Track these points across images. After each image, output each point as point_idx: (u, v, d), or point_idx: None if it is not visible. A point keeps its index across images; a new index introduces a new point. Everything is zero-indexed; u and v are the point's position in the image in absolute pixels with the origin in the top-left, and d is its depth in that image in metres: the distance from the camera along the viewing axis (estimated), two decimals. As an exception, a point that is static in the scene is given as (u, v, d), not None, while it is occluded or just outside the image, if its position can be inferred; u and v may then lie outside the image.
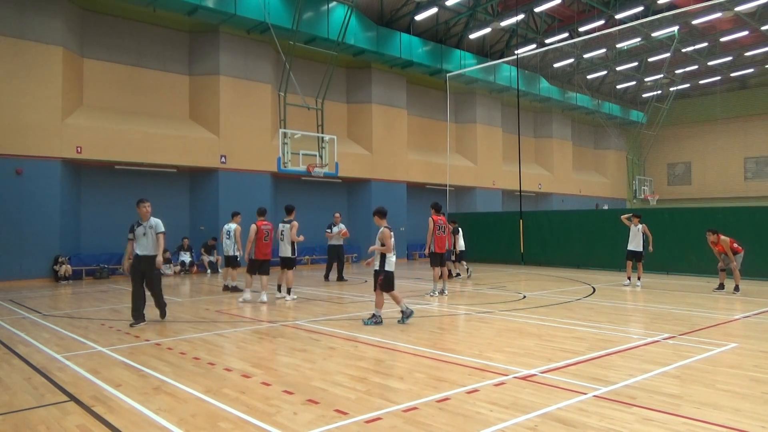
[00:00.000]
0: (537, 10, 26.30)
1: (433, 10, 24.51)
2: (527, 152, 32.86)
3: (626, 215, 14.23)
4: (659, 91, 37.24)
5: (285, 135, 16.92)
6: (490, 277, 17.06)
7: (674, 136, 40.93)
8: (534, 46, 28.76)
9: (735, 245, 12.07)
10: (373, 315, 8.63)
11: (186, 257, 19.11)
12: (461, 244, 16.31)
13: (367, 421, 4.26)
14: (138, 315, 8.64)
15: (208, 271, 19.00)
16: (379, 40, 23.07)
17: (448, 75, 24.56)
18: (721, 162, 39.30)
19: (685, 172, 41.62)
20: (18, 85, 15.76)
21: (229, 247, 13.58)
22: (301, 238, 11.98)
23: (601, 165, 40.48)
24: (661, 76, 34.89)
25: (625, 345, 6.97)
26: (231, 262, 13.71)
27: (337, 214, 16.14)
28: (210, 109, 19.84)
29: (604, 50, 31.36)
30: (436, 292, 12.20)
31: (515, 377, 5.46)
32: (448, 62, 26.15)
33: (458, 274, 16.30)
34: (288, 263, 11.78)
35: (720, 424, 4.16)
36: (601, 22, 26.60)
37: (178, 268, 18.72)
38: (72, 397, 4.97)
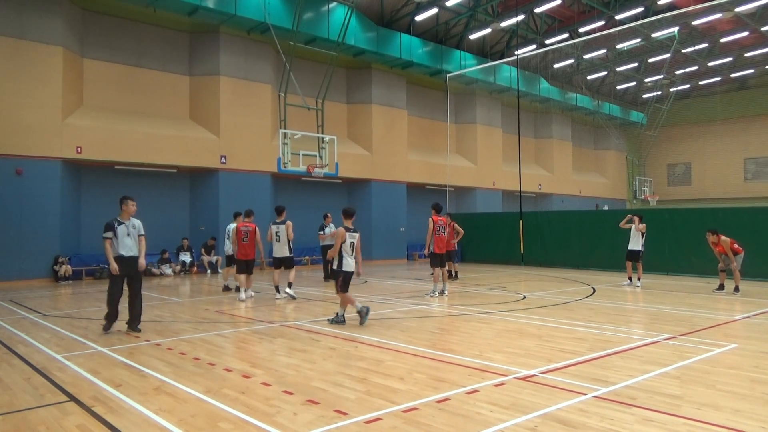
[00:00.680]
0: (537, 10, 26.27)
1: (433, 11, 24.51)
2: (527, 153, 32.84)
3: (624, 220, 14.26)
4: (659, 92, 37.21)
5: (285, 135, 16.91)
6: (490, 277, 17.06)
7: (674, 137, 40.90)
8: (534, 46, 28.75)
9: (735, 246, 12.07)
10: (336, 314, 8.79)
11: (186, 257, 19.11)
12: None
13: (367, 422, 4.26)
14: (114, 319, 8.14)
15: (208, 271, 18.99)
16: (379, 40, 23.07)
17: (448, 75, 24.58)
18: (721, 163, 39.25)
19: (685, 172, 41.58)
20: (18, 85, 15.76)
21: (230, 248, 13.60)
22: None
23: (601, 165, 40.46)
24: (661, 76, 34.85)
25: (625, 345, 6.97)
26: (231, 262, 13.72)
27: (329, 215, 16.15)
28: (210, 109, 19.84)
29: (604, 51, 31.35)
30: (436, 293, 12.21)
31: (515, 378, 5.47)
32: (448, 63, 26.14)
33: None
34: (288, 263, 11.87)
35: (720, 424, 4.16)
36: (601, 22, 26.60)
37: (179, 268, 18.72)
38: (72, 398, 4.98)
